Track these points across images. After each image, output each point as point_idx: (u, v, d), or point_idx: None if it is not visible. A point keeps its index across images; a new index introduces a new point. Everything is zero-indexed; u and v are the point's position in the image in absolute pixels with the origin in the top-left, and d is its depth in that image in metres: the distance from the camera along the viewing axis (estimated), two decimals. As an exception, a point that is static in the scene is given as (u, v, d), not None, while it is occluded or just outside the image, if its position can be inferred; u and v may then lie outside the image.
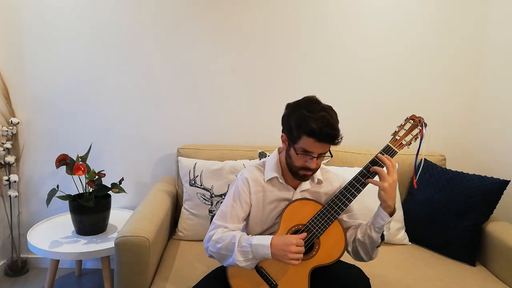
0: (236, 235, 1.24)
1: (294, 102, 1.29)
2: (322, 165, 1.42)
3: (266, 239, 1.21)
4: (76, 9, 2.10)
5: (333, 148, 2.10)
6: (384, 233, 1.26)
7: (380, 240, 1.28)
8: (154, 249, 1.53)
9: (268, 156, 1.90)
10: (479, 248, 1.76)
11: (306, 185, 1.37)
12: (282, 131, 1.32)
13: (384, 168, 1.25)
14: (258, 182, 1.36)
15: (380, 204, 1.26)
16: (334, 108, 1.26)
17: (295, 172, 1.28)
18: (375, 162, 1.26)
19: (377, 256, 1.31)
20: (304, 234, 1.24)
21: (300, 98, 1.29)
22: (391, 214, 1.26)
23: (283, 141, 1.32)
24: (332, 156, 1.30)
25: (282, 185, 1.36)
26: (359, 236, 1.32)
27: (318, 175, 1.38)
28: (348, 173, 1.60)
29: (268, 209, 1.36)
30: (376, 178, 1.26)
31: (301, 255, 1.19)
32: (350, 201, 1.27)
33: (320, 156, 1.24)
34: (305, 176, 1.29)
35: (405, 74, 2.19)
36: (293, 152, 1.25)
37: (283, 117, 1.31)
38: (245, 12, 2.13)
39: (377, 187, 1.24)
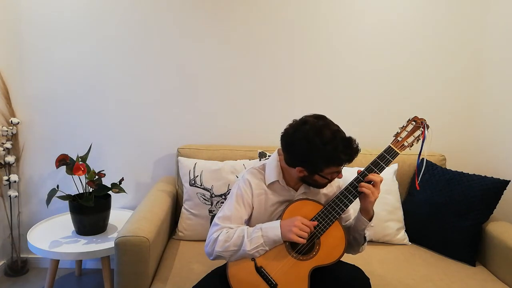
0: (244, 229, 1.28)
1: (295, 138, 1.23)
2: None
3: (276, 222, 1.27)
4: (76, 9, 2.10)
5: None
6: (366, 235, 1.34)
7: (363, 241, 1.35)
8: (154, 249, 1.53)
9: (268, 156, 1.91)
10: (479, 248, 1.76)
11: (306, 186, 1.37)
12: (294, 165, 1.27)
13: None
14: (259, 185, 1.36)
15: (361, 212, 1.31)
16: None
17: (322, 186, 1.32)
18: (375, 164, 1.28)
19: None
20: (315, 222, 1.26)
21: (301, 123, 1.25)
22: (370, 218, 1.32)
23: (299, 172, 1.27)
24: None
25: (283, 187, 1.37)
26: None
27: None
28: (348, 173, 1.60)
29: (270, 210, 1.37)
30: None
31: (306, 234, 1.22)
32: (351, 201, 1.27)
33: None
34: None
35: (405, 75, 2.19)
36: (319, 178, 1.27)
37: (290, 153, 1.27)
38: (247, 13, 2.13)
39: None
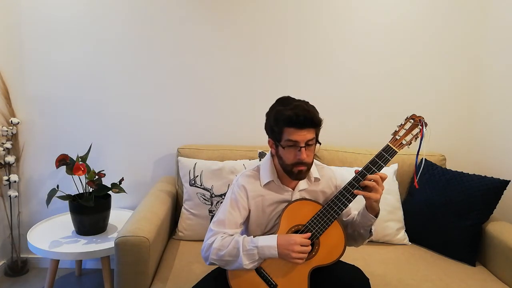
0: (239, 240, 1.25)
1: (270, 107, 1.33)
2: (317, 162, 1.43)
3: (272, 240, 1.23)
4: (76, 10, 2.10)
5: (333, 148, 2.11)
6: (372, 229, 1.34)
7: (369, 235, 1.35)
8: (154, 249, 1.53)
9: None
10: (479, 248, 1.76)
11: (303, 184, 1.37)
12: (268, 138, 1.34)
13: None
14: (255, 187, 1.35)
15: (367, 209, 1.30)
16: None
17: (290, 171, 1.27)
18: (373, 163, 1.27)
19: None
20: (309, 234, 1.25)
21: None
22: (377, 215, 1.31)
23: (270, 146, 1.34)
24: (320, 144, 1.29)
25: (279, 187, 1.36)
26: (349, 230, 1.39)
27: (314, 173, 1.38)
28: (348, 173, 1.60)
29: (268, 211, 1.36)
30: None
31: (305, 255, 1.21)
32: (350, 201, 1.27)
33: (308, 145, 1.24)
34: (301, 173, 1.27)
35: (405, 74, 2.19)
36: (282, 150, 1.26)
37: (265, 125, 1.34)
38: (246, 14, 2.13)
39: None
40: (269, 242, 1.23)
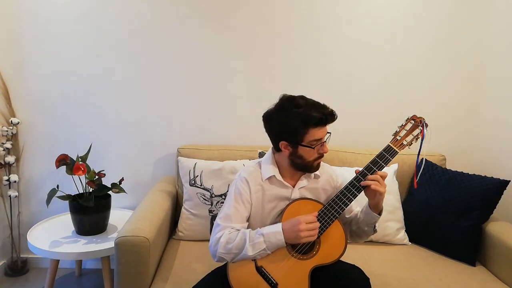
0: (245, 232, 1.27)
1: (272, 111, 1.32)
2: None
3: (277, 226, 1.25)
4: (76, 9, 2.10)
5: (333, 148, 2.11)
6: (376, 226, 1.37)
7: (373, 232, 1.37)
8: (154, 249, 1.53)
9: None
10: (479, 248, 1.76)
11: (304, 181, 1.38)
12: (277, 141, 1.32)
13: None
14: (256, 181, 1.37)
15: (370, 207, 1.31)
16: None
17: (311, 166, 1.32)
18: (374, 163, 1.27)
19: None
20: (315, 213, 1.26)
21: (272, 106, 1.33)
22: (380, 212, 1.32)
23: (284, 149, 1.31)
24: (330, 133, 1.32)
25: (280, 183, 1.37)
26: (353, 227, 1.41)
27: None
28: (348, 173, 1.60)
29: (268, 208, 1.37)
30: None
31: (315, 231, 1.22)
32: (351, 200, 1.27)
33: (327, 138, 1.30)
34: (319, 164, 1.34)
35: (405, 74, 2.19)
36: (305, 150, 1.27)
37: (271, 129, 1.33)
38: (247, 13, 2.13)
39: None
40: (274, 229, 1.25)
